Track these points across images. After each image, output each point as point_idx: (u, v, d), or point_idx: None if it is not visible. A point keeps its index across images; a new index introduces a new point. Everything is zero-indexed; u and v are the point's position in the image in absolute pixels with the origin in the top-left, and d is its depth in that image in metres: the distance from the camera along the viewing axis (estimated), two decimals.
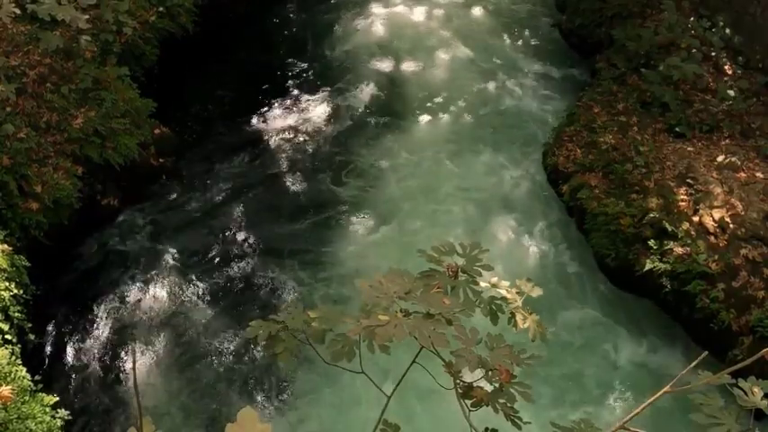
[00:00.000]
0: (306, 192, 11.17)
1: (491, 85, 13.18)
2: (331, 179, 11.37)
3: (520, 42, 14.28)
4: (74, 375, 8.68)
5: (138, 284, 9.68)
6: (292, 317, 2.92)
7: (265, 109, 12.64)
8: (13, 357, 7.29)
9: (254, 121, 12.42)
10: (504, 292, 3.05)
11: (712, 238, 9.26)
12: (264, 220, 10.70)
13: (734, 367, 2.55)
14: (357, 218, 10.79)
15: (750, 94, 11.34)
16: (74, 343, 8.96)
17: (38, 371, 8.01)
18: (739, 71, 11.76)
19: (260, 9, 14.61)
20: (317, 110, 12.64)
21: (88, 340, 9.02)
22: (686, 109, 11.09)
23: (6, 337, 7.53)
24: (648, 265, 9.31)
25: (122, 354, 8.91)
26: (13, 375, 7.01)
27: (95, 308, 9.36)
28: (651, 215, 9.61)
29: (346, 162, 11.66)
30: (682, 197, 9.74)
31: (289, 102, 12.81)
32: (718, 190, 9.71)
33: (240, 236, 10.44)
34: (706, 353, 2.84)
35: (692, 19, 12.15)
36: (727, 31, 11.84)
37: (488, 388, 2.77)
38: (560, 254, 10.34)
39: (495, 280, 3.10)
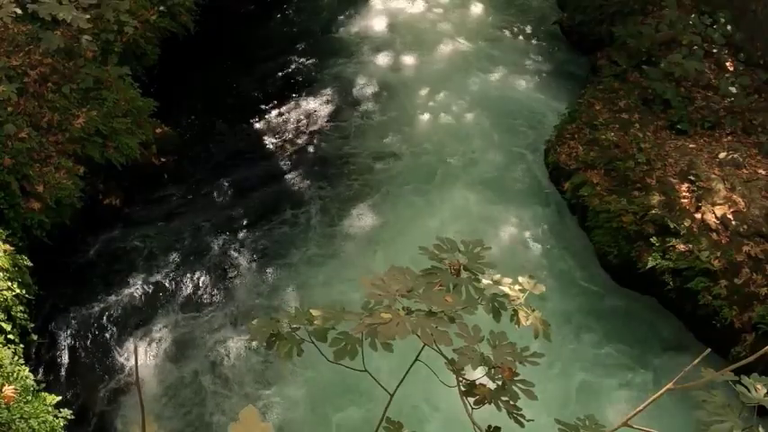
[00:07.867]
0: (308, 190, 11.16)
1: (492, 83, 13.18)
2: (332, 176, 11.37)
3: (520, 39, 14.27)
4: (76, 375, 8.68)
5: (139, 284, 9.68)
6: (294, 315, 2.92)
7: (266, 108, 12.64)
8: (16, 357, 7.30)
9: (256, 119, 12.42)
10: (506, 290, 3.04)
11: (714, 235, 9.25)
12: (267, 219, 10.69)
13: (737, 364, 2.55)
14: (359, 215, 10.78)
15: (752, 90, 11.32)
16: (76, 342, 8.97)
17: (40, 370, 8.03)
18: (741, 68, 11.73)
19: (261, 8, 14.61)
20: (319, 108, 12.64)
21: (90, 340, 9.03)
22: (688, 106, 11.07)
23: (9, 336, 7.54)
24: (651, 263, 9.29)
25: (125, 353, 8.91)
26: (15, 375, 7.01)
27: (98, 307, 9.37)
28: (653, 212, 9.59)
29: (348, 159, 11.66)
30: (684, 194, 9.73)
31: (290, 100, 12.81)
32: (719, 187, 9.69)
33: (242, 235, 10.44)
34: (708, 350, 2.84)
35: (693, 15, 12.12)
36: (729, 27, 11.81)
37: (491, 385, 2.76)
38: (562, 251, 10.32)
39: (497, 277, 3.09)
